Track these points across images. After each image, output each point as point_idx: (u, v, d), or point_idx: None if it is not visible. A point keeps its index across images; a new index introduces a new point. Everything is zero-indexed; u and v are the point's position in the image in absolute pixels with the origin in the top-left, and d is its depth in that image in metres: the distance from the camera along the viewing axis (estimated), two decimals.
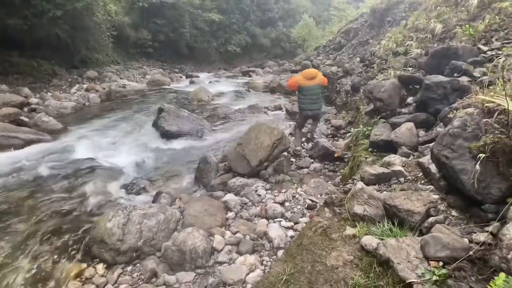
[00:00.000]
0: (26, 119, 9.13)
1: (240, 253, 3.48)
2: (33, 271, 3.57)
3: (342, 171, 5.87)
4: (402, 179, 3.68)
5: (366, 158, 4.91)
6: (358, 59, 11.41)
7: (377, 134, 5.00)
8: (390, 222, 2.82)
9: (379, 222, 2.91)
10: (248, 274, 3.09)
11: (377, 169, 3.91)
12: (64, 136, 8.30)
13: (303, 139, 7.30)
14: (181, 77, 22.82)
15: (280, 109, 11.01)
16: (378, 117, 5.66)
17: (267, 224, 3.96)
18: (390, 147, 4.64)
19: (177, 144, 7.61)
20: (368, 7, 16.27)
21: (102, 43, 19.46)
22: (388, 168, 3.91)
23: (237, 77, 22.27)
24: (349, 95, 9.27)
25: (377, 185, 3.75)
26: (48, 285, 3.40)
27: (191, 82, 19.26)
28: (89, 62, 18.89)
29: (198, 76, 22.13)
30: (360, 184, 3.43)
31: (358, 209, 3.15)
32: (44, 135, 7.89)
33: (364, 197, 3.22)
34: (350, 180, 4.39)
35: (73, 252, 3.86)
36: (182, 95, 14.19)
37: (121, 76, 19.72)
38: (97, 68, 18.82)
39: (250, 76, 22.05)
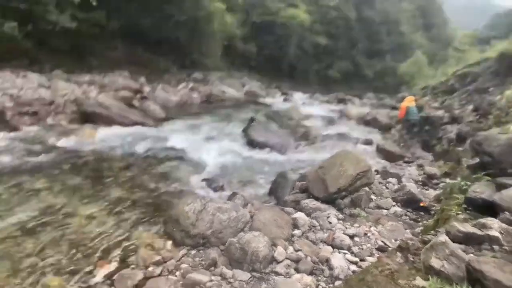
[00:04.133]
0: (137, 104, 10.40)
1: (297, 271, 3.46)
2: (115, 230, 4.12)
3: (425, 222, 5.46)
4: (496, 247, 3.28)
5: (457, 214, 4.49)
6: (471, 107, 10.51)
7: (477, 191, 4.51)
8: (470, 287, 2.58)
9: (457, 284, 2.66)
10: None
11: (467, 228, 3.56)
12: (165, 124, 9.20)
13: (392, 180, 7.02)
14: (276, 93, 23.47)
15: (371, 143, 10.63)
16: (483, 173, 5.13)
17: (331, 252, 3.87)
18: (489, 209, 4.17)
19: (260, 154, 7.87)
20: (496, 51, 14.82)
21: (213, 50, 21.09)
22: (482, 231, 3.53)
23: (332, 103, 22.11)
24: (451, 144, 8.57)
25: (463, 244, 3.41)
26: (124, 245, 3.88)
27: (285, 100, 19.72)
28: (198, 65, 20.60)
29: (292, 95, 22.55)
30: (443, 237, 3.18)
31: (435, 263, 2.92)
32: (148, 120, 8.89)
33: (445, 252, 2.97)
34: (432, 232, 4.09)
35: (149, 224, 4.34)
36: (274, 110, 14.60)
37: (223, 82, 21.01)
38: (203, 72, 20.40)
39: (345, 104, 21.73)
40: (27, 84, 10.45)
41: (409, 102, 10.44)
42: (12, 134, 7.41)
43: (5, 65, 11.91)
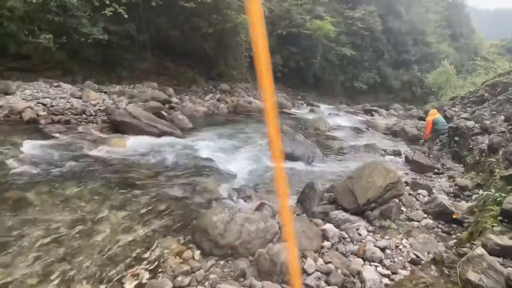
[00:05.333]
0: (165, 114, 10.64)
1: (328, 283, 3.39)
2: (144, 238, 4.16)
3: (458, 235, 5.24)
4: None
5: (492, 226, 4.30)
6: (502, 117, 10.13)
7: None
8: None
9: None
10: None
11: (505, 241, 3.44)
12: (192, 134, 9.35)
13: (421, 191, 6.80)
14: (302, 104, 23.46)
15: (399, 154, 10.39)
16: None
17: (362, 265, 3.78)
18: None
19: (287, 165, 7.79)
20: None
21: (239, 61, 21.38)
22: None
23: (358, 114, 21.85)
24: (483, 155, 8.25)
25: (501, 258, 3.28)
26: (153, 254, 3.88)
27: (311, 111, 19.65)
28: (224, 76, 20.93)
29: (318, 106, 22.47)
30: (480, 250, 3.06)
31: (473, 276, 2.81)
32: (176, 130, 9.07)
33: (483, 265, 2.87)
34: (467, 244, 3.91)
35: (178, 233, 4.35)
36: (300, 121, 14.56)
37: (249, 93, 21.20)
38: (229, 83, 20.68)
39: (372, 115, 21.42)
40: (60, 94, 10.90)
41: (433, 115, 10.29)
42: (45, 142, 7.67)
43: (40, 75, 12.51)
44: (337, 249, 4.15)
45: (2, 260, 3.48)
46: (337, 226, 4.75)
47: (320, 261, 3.76)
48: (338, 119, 17.17)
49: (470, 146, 9.49)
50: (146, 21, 15.62)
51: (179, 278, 3.37)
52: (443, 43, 41.65)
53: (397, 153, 10.51)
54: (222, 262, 3.73)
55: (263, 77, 1.01)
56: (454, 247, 4.48)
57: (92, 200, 5.07)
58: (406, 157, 9.49)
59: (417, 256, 4.16)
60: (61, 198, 5.04)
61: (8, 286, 3.15)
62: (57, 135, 8.37)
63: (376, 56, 34.57)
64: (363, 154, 9.84)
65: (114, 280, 3.39)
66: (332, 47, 29.43)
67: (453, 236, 5.19)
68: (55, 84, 11.94)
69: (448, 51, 39.86)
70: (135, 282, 3.38)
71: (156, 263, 3.70)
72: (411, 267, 3.89)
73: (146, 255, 3.82)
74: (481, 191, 5.98)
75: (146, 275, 3.49)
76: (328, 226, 4.57)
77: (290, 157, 8.11)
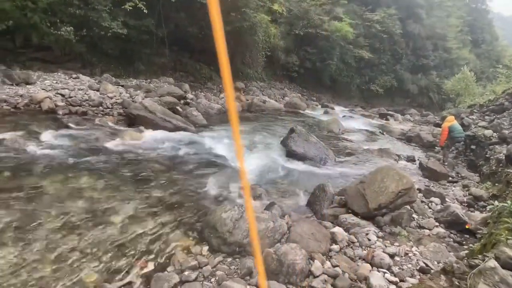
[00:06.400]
0: (180, 110, 10.73)
1: (335, 287, 3.38)
2: (154, 231, 4.24)
3: (470, 245, 5.13)
4: None
5: (507, 239, 4.20)
6: None
7: None
8: None
9: None
10: None
11: None
12: (206, 131, 9.43)
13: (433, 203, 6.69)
14: (316, 105, 23.29)
15: (413, 160, 10.24)
16: None
17: (370, 270, 3.75)
18: None
19: (299, 166, 7.81)
20: None
21: (256, 60, 21.34)
22: None
23: (373, 117, 21.60)
24: (501, 165, 8.07)
25: None
26: (162, 246, 3.96)
27: (325, 112, 19.50)
28: (240, 74, 20.93)
29: (333, 108, 22.30)
30: (492, 263, 2.99)
31: None
32: (190, 125, 9.18)
33: (495, 278, 2.80)
34: (480, 256, 3.83)
35: (187, 228, 4.42)
36: (314, 122, 14.49)
37: (264, 92, 21.19)
38: (245, 81, 20.70)
39: (387, 119, 21.14)
40: (79, 86, 11.09)
41: (450, 121, 10.03)
42: (61, 131, 7.83)
43: (60, 66, 12.76)
44: (345, 253, 4.13)
45: (16, 246, 3.57)
46: (347, 230, 4.72)
47: (328, 264, 3.75)
48: (352, 122, 17.02)
49: (487, 156, 9.30)
50: (165, 17, 15.73)
51: (186, 273, 3.41)
52: (464, 49, 40.76)
53: (411, 159, 10.37)
54: (229, 259, 3.75)
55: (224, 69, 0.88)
56: (466, 258, 4.38)
57: (104, 191, 5.16)
58: (420, 164, 9.34)
59: (427, 265, 4.10)
60: (75, 187, 5.15)
61: (21, 272, 3.23)
62: (74, 125, 8.52)
63: (394, 59, 34.07)
64: (376, 158, 9.74)
65: (122, 271, 3.45)
66: (349, 49, 29.11)
67: (465, 247, 5.10)
68: (74, 75, 12.16)
69: (469, 57, 39.01)
70: (143, 274, 3.43)
71: (164, 256, 3.76)
72: (419, 275, 3.84)
73: (155, 248, 3.89)
74: (496, 202, 5.82)
75: (154, 267, 3.55)
76: (337, 229, 4.55)
77: (302, 157, 8.09)
